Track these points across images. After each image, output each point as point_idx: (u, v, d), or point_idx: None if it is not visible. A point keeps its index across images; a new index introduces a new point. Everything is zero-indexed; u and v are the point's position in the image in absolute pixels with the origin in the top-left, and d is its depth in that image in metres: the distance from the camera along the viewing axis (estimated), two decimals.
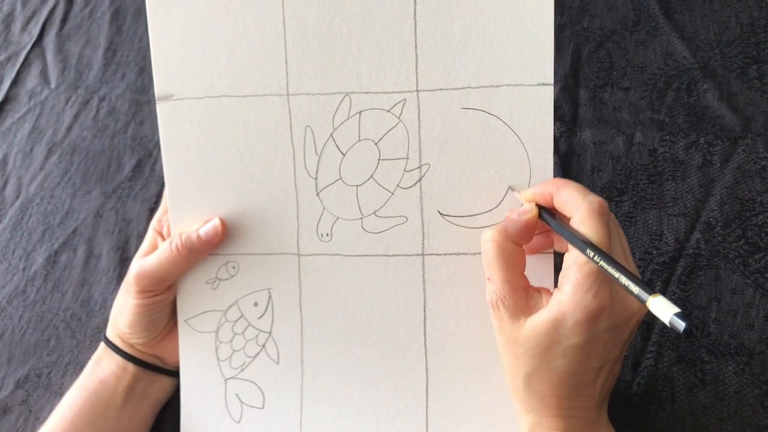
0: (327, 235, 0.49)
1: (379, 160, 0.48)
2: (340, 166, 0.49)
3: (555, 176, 0.56)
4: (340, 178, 0.49)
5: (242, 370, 0.52)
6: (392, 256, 0.49)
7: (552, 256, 0.47)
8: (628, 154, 0.58)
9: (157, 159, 0.66)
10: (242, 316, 0.51)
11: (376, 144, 0.48)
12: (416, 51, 0.47)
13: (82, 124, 0.71)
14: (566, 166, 0.59)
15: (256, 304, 0.51)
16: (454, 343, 0.48)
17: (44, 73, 0.75)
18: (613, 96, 0.61)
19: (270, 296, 0.51)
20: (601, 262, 0.37)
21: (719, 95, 0.59)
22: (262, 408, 0.51)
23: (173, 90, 0.50)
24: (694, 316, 0.52)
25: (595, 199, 0.40)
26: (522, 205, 0.44)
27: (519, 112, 0.46)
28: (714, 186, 0.56)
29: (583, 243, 0.38)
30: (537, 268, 0.46)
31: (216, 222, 0.50)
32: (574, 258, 0.39)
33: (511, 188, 0.47)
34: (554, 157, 0.57)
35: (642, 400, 0.50)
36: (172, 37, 0.50)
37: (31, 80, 0.75)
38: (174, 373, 0.54)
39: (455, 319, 0.48)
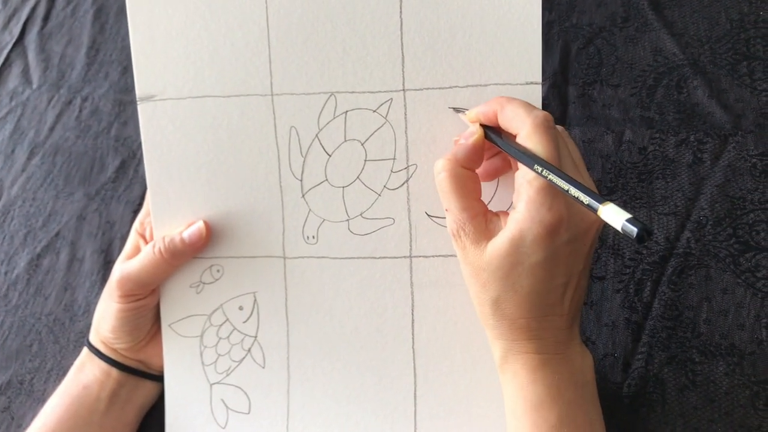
0: (313, 237, 0.48)
1: (365, 160, 0.47)
2: (326, 167, 0.48)
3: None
4: (326, 180, 0.48)
5: (228, 375, 0.51)
6: (379, 258, 0.48)
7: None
8: (617, 152, 0.58)
9: (141, 160, 0.65)
10: (227, 320, 0.50)
11: (362, 144, 0.47)
12: (402, 50, 0.46)
13: (64, 124, 0.70)
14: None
15: (241, 308, 0.50)
16: (442, 345, 0.48)
17: (26, 73, 0.74)
18: (603, 93, 0.61)
19: (255, 300, 0.50)
20: (550, 176, 0.36)
21: (709, 92, 0.58)
22: (248, 413, 0.51)
23: (155, 90, 0.49)
24: (685, 317, 0.51)
25: (540, 113, 0.39)
26: (468, 128, 0.44)
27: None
28: (704, 184, 0.55)
29: (530, 158, 0.38)
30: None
31: (200, 225, 0.49)
32: (524, 175, 0.38)
33: (453, 109, 0.46)
34: None
35: (633, 402, 0.50)
36: (154, 37, 0.49)
37: (13, 80, 0.74)
38: (159, 378, 0.53)
39: (443, 321, 0.48)
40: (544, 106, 0.59)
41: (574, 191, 0.35)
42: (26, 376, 0.60)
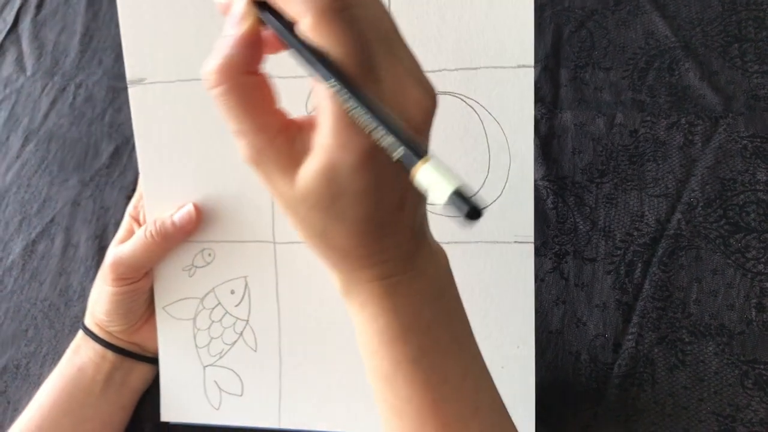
0: None
1: None
2: None
3: (535, 160, 0.56)
4: None
5: (221, 358, 0.51)
6: None
7: (532, 247, 0.46)
8: (609, 135, 0.58)
9: (135, 146, 0.65)
10: (219, 303, 0.51)
11: None
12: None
13: (58, 111, 0.70)
14: (546, 147, 0.58)
15: (233, 292, 0.51)
16: None
17: (20, 61, 0.74)
18: (594, 76, 0.60)
19: (247, 284, 0.50)
20: (349, 104, 0.26)
21: (701, 74, 0.58)
22: (241, 395, 0.51)
23: (145, 73, 0.49)
24: (675, 297, 0.52)
25: None
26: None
27: (498, 95, 0.45)
28: (695, 166, 0.55)
29: (322, 65, 0.27)
30: (516, 262, 0.45)
31: (190, 208, 0.49)
32: (319, 86, 0.28)
33: None
34: (534, 139, 0.56)
35: (623, 382, 0.50)
36: (143, 21, 0.49)
37: (7, 68, 0.74)
38: (153, 361, 0.54)
39: None
40: (536, 89, 0.60)
41: (381, 133, 0.26)
42: (22, 361, 0.60)
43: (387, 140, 0.25)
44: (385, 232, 0.33)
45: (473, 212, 0.23)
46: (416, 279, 0.34)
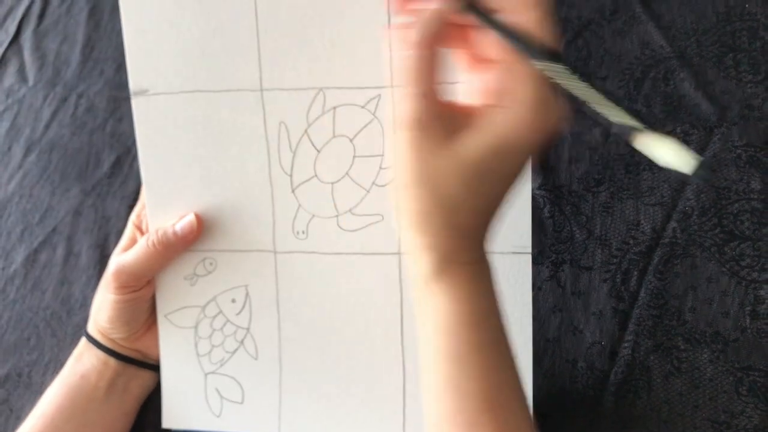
0: (303, 232, 0.49)
1: (354, 156, 0.48)
2: (315, 162, 0.49)
3: (531, 170, 0.57)
4: (315, 175, 0.49)
5: (222, 365, 0.52)
6: (368, 254, 0.49)
7: (530, 257, 0.46)
8: (605, 144, 0.58)
9: (136, 156, 0.65)
10: (220, 312, 0.51)
11: (351, 141, 0.48)
12: (390, 46, 0.47)
13: (60, 121, 0.71)
14: (543, 157, 0.59)
15: (233, 301, 0.51)
16: None
17: (22, 71, 0.75)
18: None
19: (247, 293, 0.51)
20: (570, 82, 0.29)
21: (695, 84, 0.59)
22: (242, 402, 0.52)
23: (148, 85, 0.50)
24: (671, 305, 0.52)
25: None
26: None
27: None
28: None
29: (532, 47, 0.30)
30: (513, 271, 0.46)
31: (191, 217, 0.50)
32: (522, 69, 0.32)
33: None
34: None
35: (619, 389, 0.51)
36: (146, 32, 0.50)
37: (9, 78, 0.75)
38: (155, 368, 0.54)
39: None
40: None
41: (604, 107, 0.28)
42: (24, 369, 0.61)
43: (612, 113, 0.28)
44: (496, 217, 0.35)
45: (700, 166, 0.26)
46: (489, 270, 0.37)
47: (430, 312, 0.37)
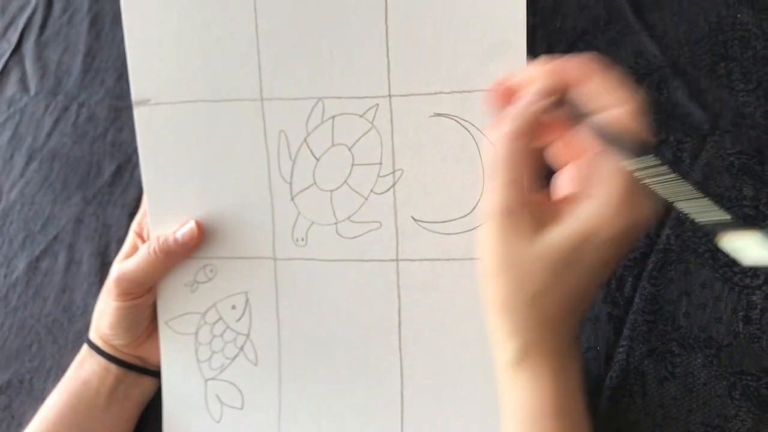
0: (302, 239, 0.50)
1: (352, 165, 0.49)
2: (314, 170, 0.49)
3: None
4: (315, 183, 0.49)
5: (222, 371, 0.52)
6: (367, 261, 0.49)
7: None
8: None
9: (137, 164, 0.66)
10: (221, 318, 0.52)
11: (349, 149, 0.49)
12: (388, 56, 0.48)
13: (61, 130, 0.72)
14: None
15: (234, 307, 0.52)
16: (428, 347, 0.49)
17: (23, 81, 0.75)
18: None
19: (247, 299, 0.52)
20: (659, 177, 0.30)
21: (688, 93, 0.60)
22: (242, 408, 0.52)
23: (150, 95, 0.51)
24: (665, 311, 0.53)
25: (639, 94, 0.34)
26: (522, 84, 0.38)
27: (492, 118, 0.47)
28: None
29: (629, 145, 0.31)
30: None
31: (192, 225, 0.50)
32: (611, 163, 0.33)
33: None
34: None
35: (614, 394, 0.51)
36: (148, 43, 0.50)
37: (11, 87, 0.75)
38: (156, 374, 0.55)
39: (430, 324, 0.49)
40: None
41: (695, 205, 0.29)
42: (26, 376, 0.61)
43: (701, 209, 0.29)
44: (584, 308, 0.36)
45: None
46: (576, 363, 0.37)
47: (512, 400, 0.38)
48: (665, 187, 0.30)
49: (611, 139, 0.32)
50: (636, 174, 0.32)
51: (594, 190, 0.34)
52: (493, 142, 0.36)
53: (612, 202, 0.33)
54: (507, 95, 0.38)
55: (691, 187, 0.29)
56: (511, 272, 0.35)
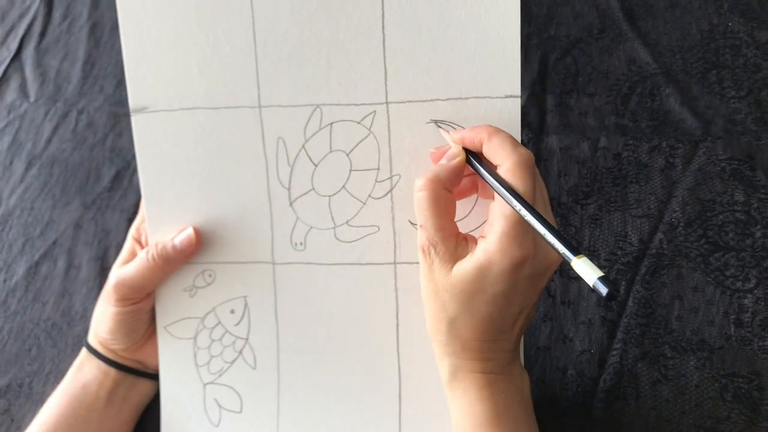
0: (301, 244, 0.51)
1: (350, 170, 0.49)
2: (312, 176, 0.50)
3: None
4: (313, 189, 0.50)
5: (220, 376, 0.53)
6: (365, 264, 0.50)
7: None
8: (593, 158, 0.60)
9: (136, 170, 0.67)
10: (219, 323, 0.53)
11: (347, 155, 0.49)
12: (385, 64, 0.48)
13: (61, 136, 0.72)
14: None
15: (232, 312, 0.52)
16: (425, 349, 0.49)
17: (23, 87, 0.76)
18: (579, 102, 0.63)
19: (246, 304, 0.52)
20: (528, 217, 0.38)
21: (681, 100, 0.61)
22: (240, 412, 0.53)
23: (147, 102, 0.51)
24: (658, 314, 0.54)
25: (524, 151, 0.41)
26: (449, 144, 0.45)
27: (487, 124, 0.47)
28: (676, 188, 0.57)
29: (511, 194, 0.39)
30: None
31: (189, 231, 0.51)
32: (500, 208, 0.40)
33: (436, 123, 0.48)
34: None
35: (608, 396, 0.52)
36: (146, 50, 0.51)
37: (11, 94, 0.76)
38: (155, 377, 0.55)
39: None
40: (523, 115, 0.62)
41: (551, 238, 0.36)
42: (25, 379, 0.61)
43: (554, 241, 0.36)
44: (498, 336, 0.42)
45: (610, 294, 0.32)
46: (509, 382, 0.44)
47: (453, 412, 0.45)
48: (537, 227, 0.37)
49: (498, 188, 0.40)
50: (515, 213, 0.39)
51: (486, 230, 0.41)
52: (414, 191, 0.43)
53: (499, 240, 0.39)
54: (437, 157, 0.45)
55: (550, 226, 0.37)
56: (434, 299, 0.42)
